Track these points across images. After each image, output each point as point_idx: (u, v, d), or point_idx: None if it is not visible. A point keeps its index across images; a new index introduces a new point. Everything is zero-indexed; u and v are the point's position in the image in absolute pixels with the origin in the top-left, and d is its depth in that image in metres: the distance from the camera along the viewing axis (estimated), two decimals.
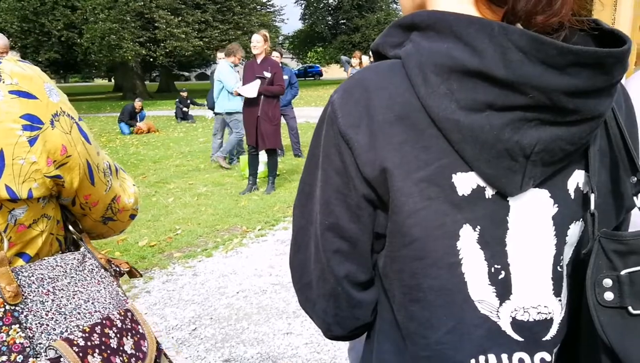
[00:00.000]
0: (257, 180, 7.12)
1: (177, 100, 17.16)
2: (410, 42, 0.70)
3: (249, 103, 6.44)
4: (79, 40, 27.08)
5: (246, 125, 6.64)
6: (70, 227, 1.12)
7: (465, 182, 0.69)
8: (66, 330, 0.89)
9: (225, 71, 7.94)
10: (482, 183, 0.70)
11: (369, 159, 0.70)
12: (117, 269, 1.15)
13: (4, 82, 0.88)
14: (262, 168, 7.25)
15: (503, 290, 0.73)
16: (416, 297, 0.75)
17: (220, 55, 9.02)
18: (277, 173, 7.20)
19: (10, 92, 0.88)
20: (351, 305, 0.82)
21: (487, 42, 0.63)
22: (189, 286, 4.13)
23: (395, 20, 0.74)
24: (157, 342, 1.06)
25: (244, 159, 7.35)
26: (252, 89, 6.33)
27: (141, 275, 1.29)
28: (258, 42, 6.43)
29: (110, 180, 1.11)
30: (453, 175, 0.69)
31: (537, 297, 0.74)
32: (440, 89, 0.66)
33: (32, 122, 0.89)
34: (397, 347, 0.80)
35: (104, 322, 0.95)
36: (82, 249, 1.06)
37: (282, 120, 7.66)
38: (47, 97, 0.93)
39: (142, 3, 27.29)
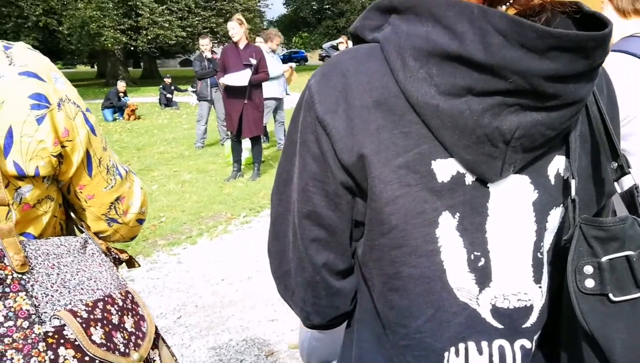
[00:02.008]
0: (242, 166, 7.09)
1: (161, 86, 17.01)
2: (389, 26, 0.69)
3: (233, 91, 6.36)
4: (59, 28, 26.60)
5: (229, 113, 6.58)
6: (72, 214, 1.14)
7: (445, 168, 0.68)
8: (70, 303, 0.91)
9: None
10: (462, 170, 0.69)
11: (346, 145, 0.69)
12: (117, 257, 1.17)
13: (14, 65, 0.92)
14: (246, 154, 7.22)
15: (483, 277, 0.72)
16: (395, 285, 0.73)
17: (203, 42, 8.94)
18: (262, 159, 7.17)
19: (20, 73, 0.91)
20: (330, 294, 0.81)
21: (467, 25, 0.61)
22: (174, 274, 4.10)
23: (374, 3, 0.73)
24: (156, 326, 1.08)
25: (229, 145, 7.31)
26: (242, 78, 6.26)
27: (139, 265, 1.28)
28: (234, 29, 6.35)
29: (114, 179, 1.11)
30: (432, 162, 0.68)
31: (517, 283, 0.73)
32: (419, 74, 0.64)
33: (40, 101, 0.92)
34: (377, 336, 0.79)
35: (106, 299, 0.97)
36: (83, 235, 1.07)
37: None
38: (53, 83, 0.96)
39: None
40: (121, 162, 1.18)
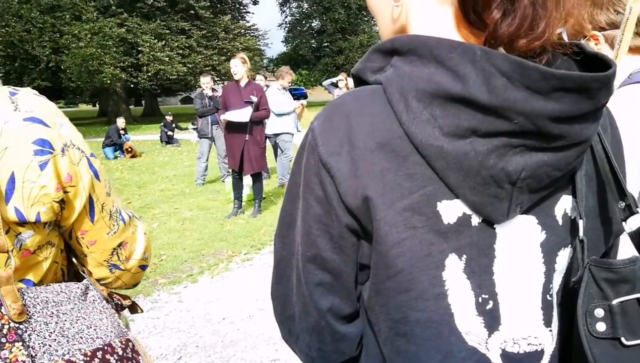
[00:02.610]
0: (243, 203, 7.08)
1: (162, 124, 17.15)
2: (391, 67, 0.69)
3: (234, 127, 6.41)
4: (62, 67, 26.99)
5: (230, 149, 6.61)
6: (74, 260, 1.12)
7: (451, 210, 0.67)
8: (68, 353, 0.90)
9: (272, 94, 8.04)
10: (468, 211, 0.68)
11: (350, 187, 0.68)
12: (119, 303, 1.15)
13: (19, 111, 0.92)
14: (247, 191, 7.21)
15: (491, 320, 0.71)
16: (402, 330, 0.72)
17: (204, 80, 9.04)
18: (263, 196, 7.16)
19: (25, 119, 0.91)
20: (335, 339, 0.79)
21: (470, 67, 0.61)
22: (174, 313, 4.05)
23: (376, 45, 0.73)
24: None
25: (229, 182, 7.32)
26: (243, 115, 6.31)
27: (142, 311, 1.26)
28: (236, 67, 6.43)
29: (116, 225, 1.09)
30: (438, 203, 0.67)
31: (527, 327, 0.72)
32: (422, 115, 0.64)
33: (44, 147, 0.92)
34: None
35: (106, 348, 0.95)
36: (85, 281, 1.06)
37: (267, 143, 7.69)
38: (58, 128, 0.96)
39: (126, 29, 27.32)
40: (123, 202, 1.16)
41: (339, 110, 0.71)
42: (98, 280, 1.13)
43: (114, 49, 27.06)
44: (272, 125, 8.31)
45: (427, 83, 0.64)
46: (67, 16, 26.89)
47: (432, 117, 0.64)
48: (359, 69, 0.75)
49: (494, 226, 0.69)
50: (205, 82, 8.99)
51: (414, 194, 0.67)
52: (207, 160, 9.31)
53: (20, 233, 0.93)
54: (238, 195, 6.93)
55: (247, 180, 7.01)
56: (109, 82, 27.10)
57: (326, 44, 45.26)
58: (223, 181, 8.96)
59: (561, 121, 0.61)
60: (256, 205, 6.92)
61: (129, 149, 14.06)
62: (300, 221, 0.75)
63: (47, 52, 26.81)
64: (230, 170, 7.09)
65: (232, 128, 6.44)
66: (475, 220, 0.68)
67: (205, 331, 3.72)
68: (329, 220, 0.71)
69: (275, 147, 8.59)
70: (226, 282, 4.69)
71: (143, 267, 1.21)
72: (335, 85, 10.32)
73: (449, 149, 0.64)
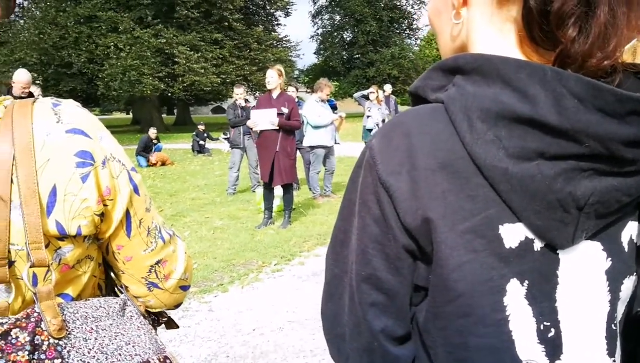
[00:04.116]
0: (273, 214, 7.10)
1: (194, 133, 17.39)
2: (453, 86, 0.67)
3: (265, 139, 6.46)
4: (100, 75, 27.59)
5: (261, 160, 6.66)
6: (112, 274, 1.11)
7: (513, 233, 0.65)
8: None
9: (310, 106, 8.17)
10: (531, 235, 0.66)
11: (410, 207, 0.67)
12: (155, 319, 1.14)
13: (61, 123, 0.91)
14: (277, 202, 7.24)
15: (553, 349, 0.68)
16: (461, 356, 0.70)
17: (237, 90, 9.14)
18: (293, 207, 7.17)
19: (67, 131, 0.91)
20: (387, 361, 0.77)
21: (539, 88, 0.59)
22: (205, 322, 4.07)
23: (436, 63, 0.72)
24: None
25: (260, 192, 7.36)
26: (268, 114, 6.35)
27: (178, 327, 1.24)
28: (272, 77, 6.49)
29: (154, 242, 1.06)
30: (500, 226, 0.65)
31: (589, 357, 0.69)
32: (487, 136, 0.63)
33: (85, 159, 0.91)
34: None
35: None
36: (122, 296, 1.05)
37: (298, 154, 7.71)
38: (98, 141, 0.96)
39: (165, 40, 27.84)
40: (163, 218, 1.14)
41: (399, 129, 0.69)
42: (136, 298, 1.11)
43: (152, 60, 27.59)
44: (308, 138, 8.33)
45: (492, 103, 0.62)
46: (104, 27, 27.49)
47: (496, 137, 0.62)
48: (419, 87, 0.73)
49: (557, 251, 0.67)
50: (239, 92, 9.10)
51: (476, 217, 0.65)
52: (238, 169, 9.39)
53: (59, 247, 0.91)
54: (268, 206, 6.96)
55: (278, 191, 7.04)
56: (148, 92, 27.61)
57: (357, 55, 45.24)
58: (253, 191, 9.02)
59: (635, 145, 0.59)
60: (286, 216, 6.93)
61: (155, 163, 14.32)
62: (355, 239, 0.73)
63: (83, 60, 27.44)
64: (260, 181, 7.12)
65: (262, 140, 6.50)
66: (538, 244, 0.66)
67: (235, 341, 3.72)
68: (385, 240, 0.70)
69: (324, 159, 8.62)
70: (256, 293, 4.70)
71: (184, 288, 1.16)
72: (367, 97, 10.33)
73: (514, 171, 0.62)
